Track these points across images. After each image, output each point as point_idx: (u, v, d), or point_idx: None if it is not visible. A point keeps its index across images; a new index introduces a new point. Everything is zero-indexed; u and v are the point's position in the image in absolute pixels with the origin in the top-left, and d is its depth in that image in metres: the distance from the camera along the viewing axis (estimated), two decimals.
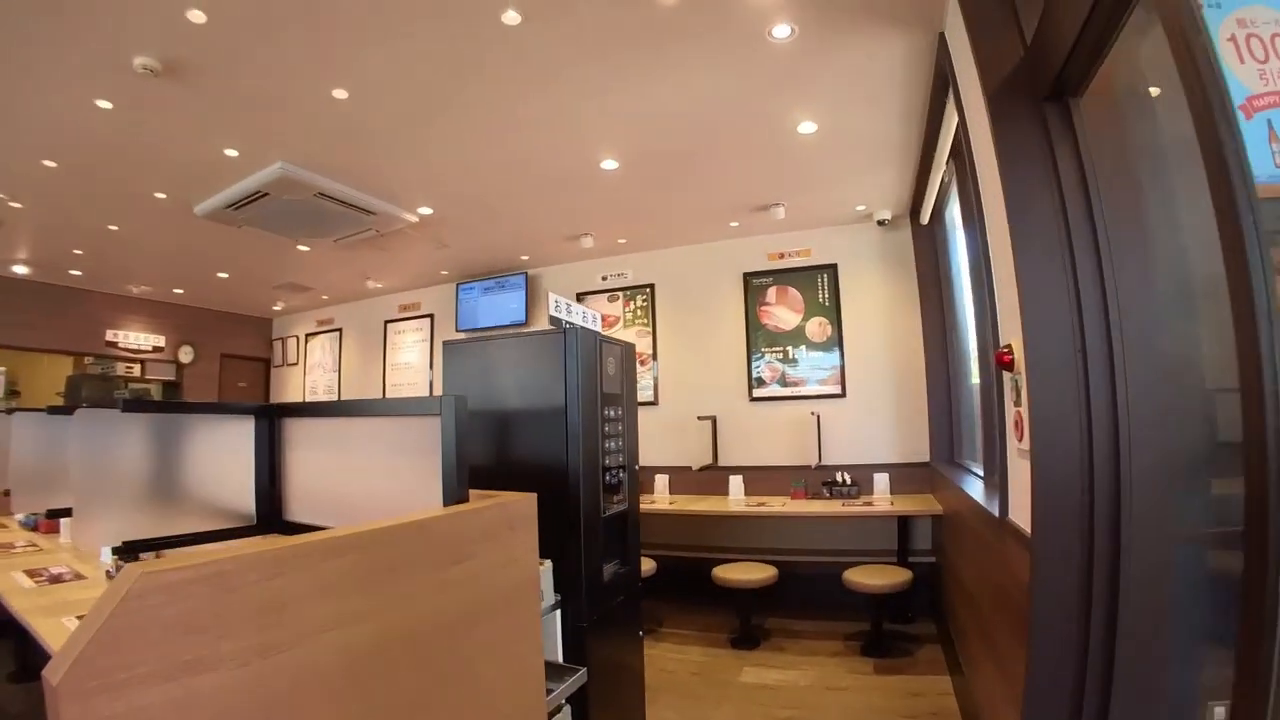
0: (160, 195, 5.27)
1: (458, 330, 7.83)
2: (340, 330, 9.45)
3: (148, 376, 9.21)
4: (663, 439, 6.43)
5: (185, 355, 9.46)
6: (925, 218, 5.42)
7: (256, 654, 1.17)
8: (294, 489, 2.68)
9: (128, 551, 2.68)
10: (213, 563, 1.12)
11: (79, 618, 2.34)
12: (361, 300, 9.16)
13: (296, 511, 2.66)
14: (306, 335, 9.89)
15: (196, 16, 3.06)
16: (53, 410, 3.82)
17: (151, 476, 2.71)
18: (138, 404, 2.69)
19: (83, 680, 0.94)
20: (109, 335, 8.78)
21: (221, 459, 2.73)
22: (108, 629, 0.97)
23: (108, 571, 2.95)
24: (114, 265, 7.57)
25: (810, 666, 4.52)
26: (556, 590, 2.56)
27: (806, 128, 4.23)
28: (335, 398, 9.17)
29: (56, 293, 8.23)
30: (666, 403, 6.66)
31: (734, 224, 6.08)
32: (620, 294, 6.99)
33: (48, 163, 4.69)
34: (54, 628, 2.24)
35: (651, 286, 6.85)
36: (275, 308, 9.83)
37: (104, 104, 3.87)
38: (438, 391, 7.98)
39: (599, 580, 2.90)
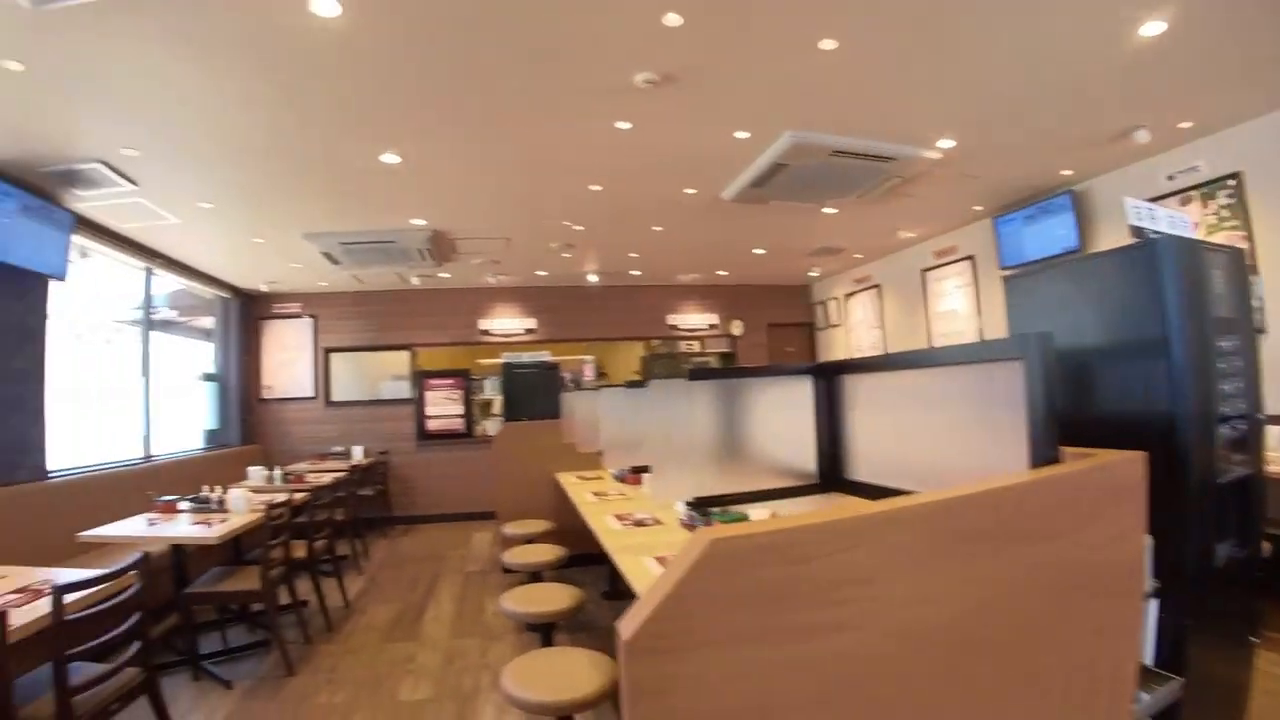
0: (690, 190, 5.80)
1: (1001, 268, 7.11)
2: (878, 286, 9.41)
3: (706, 350, 10.50)
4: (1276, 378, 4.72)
5: (736, 328, 10.43)
6: None
7: (819, 632, 1.09)
8: (855, 447, 2.66)
9: (698, 506, 2.95)
10: (784, 532, 1.07)
11: (656, 558, 2.69)
12: (895, 253, 9.01)
13: (858, 470, 2.63)
14: (846, 295, 10.09)
15: (672, 20, 3.21)
16: (629, 384, 4.50)
17: (717, 438, 2.94)
18: (702, 373, 2.94)
19: (650, 640, 0.97)
20: (669, 320, 10.25)
21: (781, 419, 2.85)
22: (676, 594, 0.98)
23: (681, 521, 3.29)
24: (664, 261, 8.72)
25: None
26: (1154, 575, 2.04)
27: None
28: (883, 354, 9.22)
29: (622, 291, 10.00)
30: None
31: None
32: (1194, 194, 5.41)
33: (594, 187, 5.55)
34: (634, 564, 2.65)
35: (1238, 176, 5.08)
36: (812, 274, 10.25)
37: (623, 125, 4.38)
38: (987, 336, 7.53)
39: (1208, 565, 2.24)
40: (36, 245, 4.84)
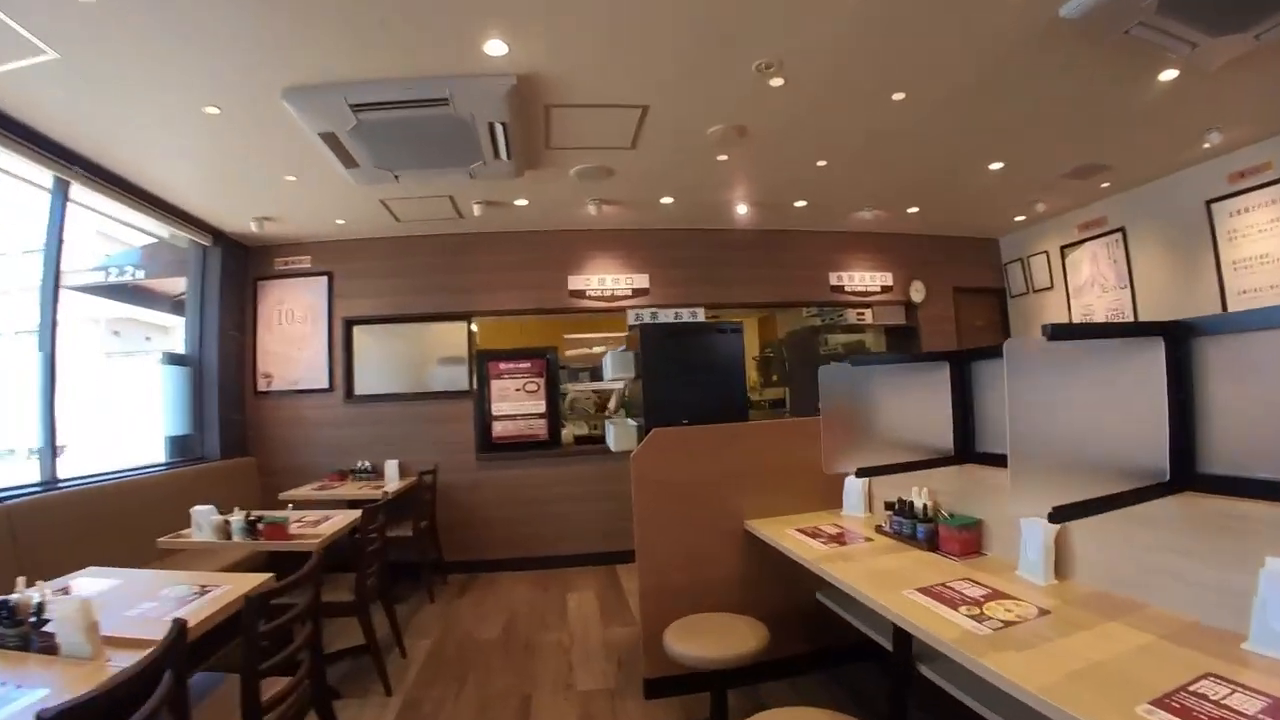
0: None
1: None
2: (1121, 230, 7.09)
3: (876, 322, 8.23)
4: None
5: (916, 293, 8.05)
6: None
7: None
8: None
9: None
10: None
11: None
12: (1156, 181, 6.68)
13: None
14: (1062, 248, 7.79)
15: None
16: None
17: None
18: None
19: None
20: (833, 279, 7.97)
21: None
22: None
23: None
24: (851, 184, 6.37)
25: None
26: None
27: None
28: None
29: (773, 238, 7.86)
30: None
31: None
32: None
33: None
34: None
35: None
36: (1018, 219, 7.90)
37: None
38: None
39: None
40: None
